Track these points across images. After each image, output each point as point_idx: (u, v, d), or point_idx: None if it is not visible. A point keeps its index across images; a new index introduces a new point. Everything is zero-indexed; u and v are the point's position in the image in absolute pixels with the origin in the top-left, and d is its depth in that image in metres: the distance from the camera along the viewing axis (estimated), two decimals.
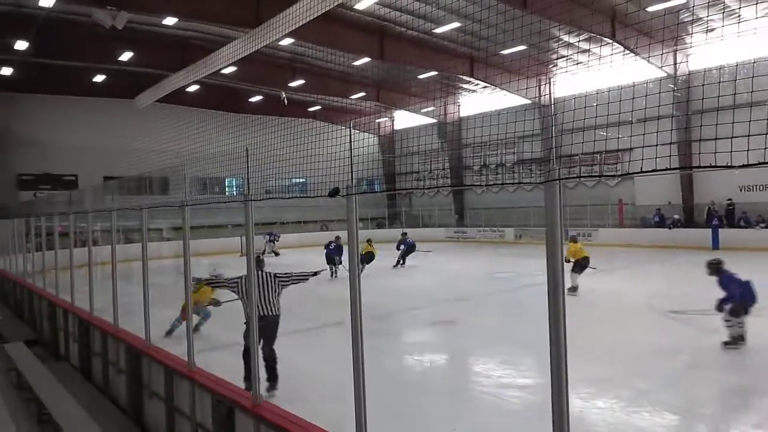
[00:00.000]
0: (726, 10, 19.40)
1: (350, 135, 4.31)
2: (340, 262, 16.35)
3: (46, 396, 7.43)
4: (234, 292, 6.58)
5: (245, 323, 6.04)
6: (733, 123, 2.54)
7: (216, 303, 9.46)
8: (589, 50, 24.71)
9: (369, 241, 18.16)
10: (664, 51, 22.59)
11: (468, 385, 7.22)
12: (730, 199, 23.21)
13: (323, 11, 14.42)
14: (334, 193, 4.02)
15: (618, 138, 3.82)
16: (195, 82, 24.87)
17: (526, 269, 14.69)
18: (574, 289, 11.98)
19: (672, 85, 22.68)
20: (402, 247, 19.53)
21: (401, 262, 19.43)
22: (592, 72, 25.83)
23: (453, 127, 33.78)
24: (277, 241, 26.06)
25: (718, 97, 2.95)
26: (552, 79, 29.08)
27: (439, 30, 22.35)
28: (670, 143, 18.94)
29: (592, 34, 21.45)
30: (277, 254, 25.01)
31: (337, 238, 17.17)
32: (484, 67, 26.19)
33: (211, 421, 5.52)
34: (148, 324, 7.14)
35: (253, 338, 5.21)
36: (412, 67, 26.05)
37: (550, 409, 2.71)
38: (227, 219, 26.09)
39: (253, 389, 5.02)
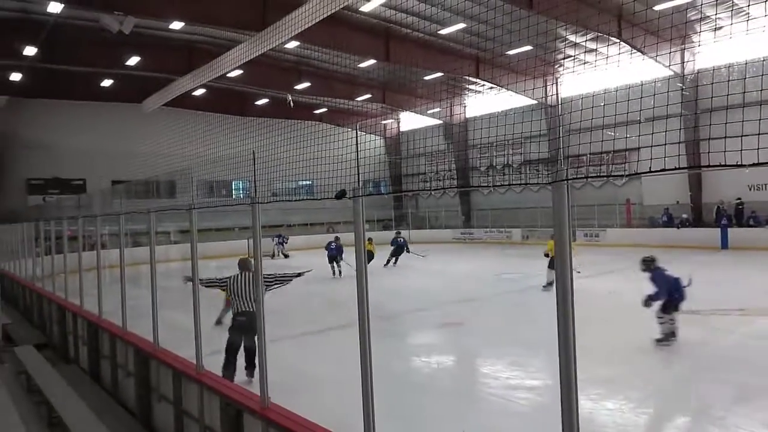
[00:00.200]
0: (734, 8, 19.26)
1: (356, 137, 4.30)
2: (341, 260, 17.16)
3: (55, 399, 7.47)
4: (223, 290, 7.21)
5: (232, 318, 6.90)
6: (743, 122, 2.52)
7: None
8: (595, 50, 24.61)
9: (370, 240, 18.07)
10: (672, 50, 22.47)
11: (476, 386, 7.20)
12: (739, 198, 23.03)
13: (329, 14, 14.46)
14: (341, 195, 4.01)
15: (626, 138, 3.80)
16: (201, 86, 24.99)
17: (533, 270, 14.63)
18: (550, 285, 12.59)
19: (680, 84, 22.56)
20: (392, 246, 19.97)
21: (393, 261, 19.84)
22: (599, 72, 25.72)
23: (459, 128, 33.74)
24: (286, 243, 26.14)
25: (727, 95, 2.93)
26: (558, 79, 28.99)
27: (445, 31, 22.34)
28: (679, 142, 18.82)
29: (599, 34, 21.36)
30: (286, 256, 25.11)
31: (337, 238, 18.07)
32: (490, 68, 26.14)
33: (219, 423, 5.53)
34: (157, 327, 7.17)
35: (262, 340, 5.20)
36: (417, 69, 26.04)
37: (558, 411, 2.69)
38: (234, 222, 26.16)
39: (262, 392, 5.02)
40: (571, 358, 2.65)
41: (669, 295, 8.02)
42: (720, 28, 21.00)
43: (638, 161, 3.13)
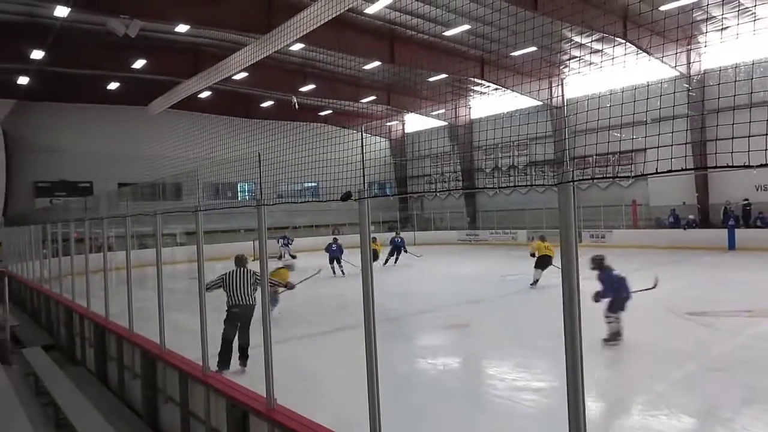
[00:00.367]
0: (740, 8, 19.17)
1: (362, 139, 4.30)
2: (342, 259, 17.96)
3: (63, 400, 7.51)
4: (221, 287, 7.57)
5: (227, 310, 7.45)
6: (750, 122, 2.51)
7: (291, 286, 10.03)
8: (601, 51, 24.55)
9: (374, 239, 18.81)
10: (678, 51, 22.38)
11: (482, 388, 7.18)
12: (746, 199, 22.91)
13: (334, 16, 14.49)
14: (347, 197, 4.02)
15: (632, 139, 3.79)
16: (207, 88, 25.07)
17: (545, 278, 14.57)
18: (534, 283, 13.84)
19: (686, 85, 22.46)
20: (390, 246, 20.91)
21: (394, 260, 20.67)
22: (605, 73, 25.65)
23: (464, 130, 33.71)
24: (291, 243, 26.19)
25: (734, 96, 2.92)
26: (564, 80, 28.93)
27: (450, 33, 22.33)
28: (686, 143, 18.72)
29: (604, 35, 21.31)
30: (294, 257, 25.19)
31: (335, 239, 19.02)
32: (495, 69, 26.11)
33: (225, 425, 5.54)
34: (163, 328, 7.20)
35: (268, 340, 5.21)
36: (422, 70, 26.03)
37: (565, 412, 2.68)
38: (240, 224, 26.23)
39: (268, 394, 5.03)
40: (578, 359, 2.65)
41: (615, 294, 8.20)
42: (726, 28, 20.89)
43: (644, 162, 3.12)
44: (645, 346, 8.35)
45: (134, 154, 26.91)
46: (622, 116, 3.24)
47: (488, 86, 29.40)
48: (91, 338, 10.40)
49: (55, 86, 26.16)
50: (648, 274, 9.59)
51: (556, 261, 10.31)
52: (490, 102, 31.57)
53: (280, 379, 5.11)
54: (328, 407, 5.75)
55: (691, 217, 24.22)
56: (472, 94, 32.83)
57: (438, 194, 37.12)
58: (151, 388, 7.57)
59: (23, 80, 23.92)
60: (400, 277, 17.80)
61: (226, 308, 7.52)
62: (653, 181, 24.78)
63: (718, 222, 23.45)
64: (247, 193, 29.76)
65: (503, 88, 27.36)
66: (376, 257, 17.82)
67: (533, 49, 22.90)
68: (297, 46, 22.14)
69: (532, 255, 14.29)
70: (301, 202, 6.61)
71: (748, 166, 2.33)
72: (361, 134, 4.43)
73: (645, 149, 2.95)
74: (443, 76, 27.49)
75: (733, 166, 2.40)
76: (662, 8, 16.71)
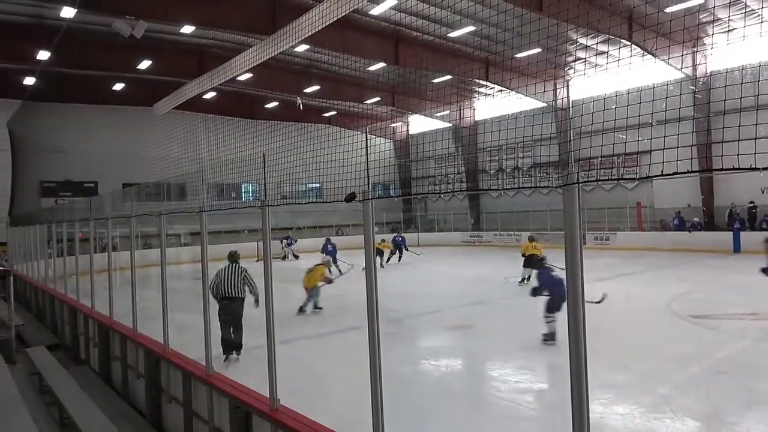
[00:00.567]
0: (747, 10, 19.10)
1: (366, 140, 4.30)
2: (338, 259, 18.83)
3: (67, 400, 7.54)
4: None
5: (219, 302, 7.79)
6: (756, 124, 2.49)
7: (328, 281, 11.22)
8: (607, 52, 24.48)
9: (383, 240, 20.72)
10: (684, 53, 22.29)
11: (484, 389, 7.16)
12: (752, 202, 22.80)
13: (339, 17, 14.50)
14: (351, 198, 4.02)
15: (637, 141, 3.77)
16: (212, 89, 25.14)
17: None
18: (522, 281, 14.54)
19: (692, 87, 22.38)
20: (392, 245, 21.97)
21: (398, 258, 21.71)
22: (610, 74, 25.58)
23: (468, 131, 33.69)
24: (294, 244, 26.24)
25: (741, 98, 2.90)
26: (569, 82, 28.87)
27: (454, 34, 22.31)
28: (691, 145, 18.69)
29: (610, 36, 21.25)
30: (296, 257, 25.29)
31: (328, 239, 19.86)
32: (500, 71, 26.07)
33: (228, 425, 5.55)
34: (167, 329, 7.21)
35: (271, 341, 5.22)
36: (427, 72, 26.03)
37: (568, 415, 2.67)
38: (244, 224, 26.28)
39: (271, 394, 5.03)
40: (582, 361, 2.64)
41: (551, 294, 8.43)
42: (732, 30, 20.82)
43: (650, 164, 3.11)
44: (649, 348, 8.32)
45: (139, 155, 26.98)
46: (627, 118, 3.23)
47: (493, 88, 29.36)
48: (95, 338, 10.43)
49: (60, 87, 26.26)
50: (655, 275, 9.54)
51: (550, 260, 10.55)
52: (494, 103, 31.52)
53: (282, 380, 5.11)
54: (330, 408, 5.75)
55: (696, 219, 24.10)
56: (476, 95, 32.79)
57: (442, 196, 37.05)
58: (154, 387, 7.59)
59: (29, 81, 24.02)
60: (402, 278, 17.79)
61: (218, 300, 7.84)
62: (658, 183, 24.69)
63: (723, 224, 23.33)
64: (251, 194, 29.83)
65: (508, 90, 27.31)
66: (382, 255, 19.69)
67: (538, 50, 22.86)
68: (302, 47, 22.18)
69: (523, 255, 14.93)
70: (305, 203, 6.60)
71: (754, 169, 2.32)
72: (366, 135, 4.43)
73: (650, 151, 2.94)
74: (448, 77, 27.46)
75: (739, 169, 2.39)
76: (668, 10, 16.67)
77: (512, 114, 25.42)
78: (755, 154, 2.32)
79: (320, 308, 11.67)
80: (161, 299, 7.39)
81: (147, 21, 18.33)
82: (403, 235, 23.50)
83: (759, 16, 19.10)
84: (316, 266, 11.81)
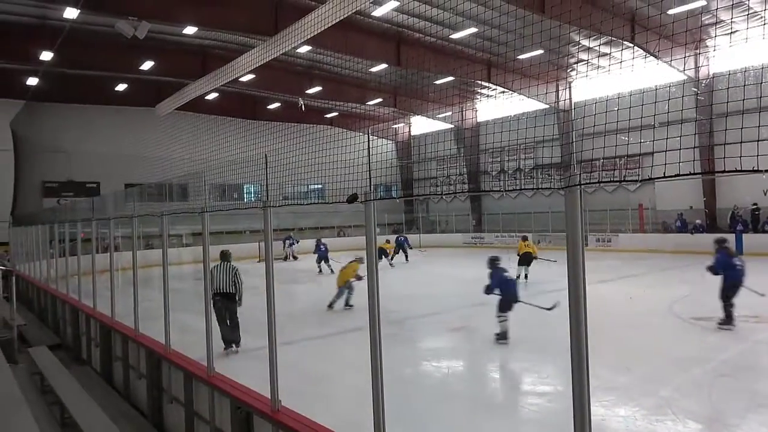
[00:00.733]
0: (749, 12, 19.07)
1: (368, 141, 4.30)
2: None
3: (68, 400, 7.54)
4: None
5: (212, 298, 7.83)
6: (759, 126, 2.49)
7: (359, 278, 11.49)
8: (609, 54, 24.47)
9: (387, 241, 22.05)
10: (686, 54, 22.27)
11: (486, 392, 7.16)
12: (755, 204, 22.76)
13: (341, 19, 14.51)
14: (353, 199, 4.02)
15: (640, 142, 3.77)
16: (214, 90, 25.17)
17: (544, 276, 14.54)
18: (517, 278, 14.02)
19: (695, 89, 22.35)
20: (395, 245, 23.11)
21: (405, 257, 22.94)
22: (612, 76, 25.57)
23: (470, 133, 33.68)
24: (296, 244, 26.27)
25: (743, 100, 2.90)
26: (571, 84, 28.85)
27: (457, 35, 22.32)
28: (693, 147, 18.66)
29: (612, 38, 21.24)
30: (295, 258, 25.36)
31: (319, 240, 20.83)
32: (502, 72, 26.07)
33: (230, 426, 5.55)
34: (168, 329, 7.22)
35: (273, 342, 5.22)
36: (429, 73, 26.03)
37: (570, 417, 2.67)
38: (246, 225, 26.30)
39: (272, 395, 5.03)
40: (584, 363, 2.64)
41: (502, 293, 8.85)
42: (735, 32, 20.79)
43: (652, 166, 3.11)
44: (651, 350, 8.31)
45: (141, 155, 27.00)
46: (629, 120, 3.23)
47: (495, 89, 29.35)
48: (96, 338, 10.44)
49: (63, 87, 26.30)
50: (657, 277, 9.52)
51: (544, 257, 10.80)
52: (496, 105, 31.52)
53: (284, 381, 5.11)
54: (332, 409, 5.75)
55: (698, 221, 24.07)
56: (478, 96, 32.80)
57: (444, 197, 37.07)
58: (156, 388, 7.59)
59: (32, 81, 24.08)
60: (403, 279, 17.78)
61: (212, 296, 8.03)
62: (660, 185, 24.67)
63: (725, 226, 23.29)
64: (253, 195, 29.87)
65: (510, 91, 27.31)
66: (385, 254, 20.81)
67: (540, 52, 22.86)
68: (304, 49, 22.19)
69: (518, 255, 15.76)
70: (307, 204, 6.59)
71: (757, 171, 2.32)
72: (368, 136, 4.43)
73: (652, 153, 2.93)
74: (450, 78, 27.48)
75: (741, 171, 2.38)
76: (670, 12, 16.64)
77: (514, 115, 25.39)
78: (758, 156, 2.32)
79: (351, 306, 11.79)
80: (163, 299, 7.39)
81: (150, 22, 18.37)
82: (405, 235, 24.44)
83: (761, 17, 19.07)
84: (350, 263, 11.95)
